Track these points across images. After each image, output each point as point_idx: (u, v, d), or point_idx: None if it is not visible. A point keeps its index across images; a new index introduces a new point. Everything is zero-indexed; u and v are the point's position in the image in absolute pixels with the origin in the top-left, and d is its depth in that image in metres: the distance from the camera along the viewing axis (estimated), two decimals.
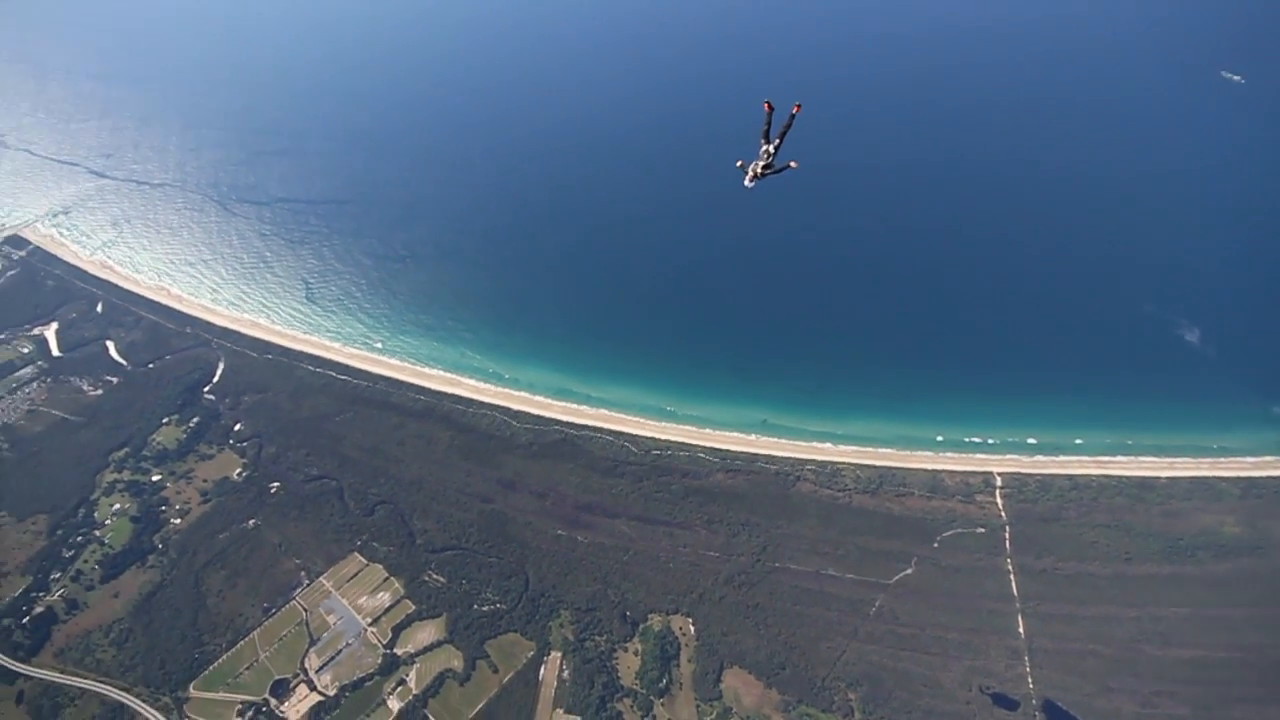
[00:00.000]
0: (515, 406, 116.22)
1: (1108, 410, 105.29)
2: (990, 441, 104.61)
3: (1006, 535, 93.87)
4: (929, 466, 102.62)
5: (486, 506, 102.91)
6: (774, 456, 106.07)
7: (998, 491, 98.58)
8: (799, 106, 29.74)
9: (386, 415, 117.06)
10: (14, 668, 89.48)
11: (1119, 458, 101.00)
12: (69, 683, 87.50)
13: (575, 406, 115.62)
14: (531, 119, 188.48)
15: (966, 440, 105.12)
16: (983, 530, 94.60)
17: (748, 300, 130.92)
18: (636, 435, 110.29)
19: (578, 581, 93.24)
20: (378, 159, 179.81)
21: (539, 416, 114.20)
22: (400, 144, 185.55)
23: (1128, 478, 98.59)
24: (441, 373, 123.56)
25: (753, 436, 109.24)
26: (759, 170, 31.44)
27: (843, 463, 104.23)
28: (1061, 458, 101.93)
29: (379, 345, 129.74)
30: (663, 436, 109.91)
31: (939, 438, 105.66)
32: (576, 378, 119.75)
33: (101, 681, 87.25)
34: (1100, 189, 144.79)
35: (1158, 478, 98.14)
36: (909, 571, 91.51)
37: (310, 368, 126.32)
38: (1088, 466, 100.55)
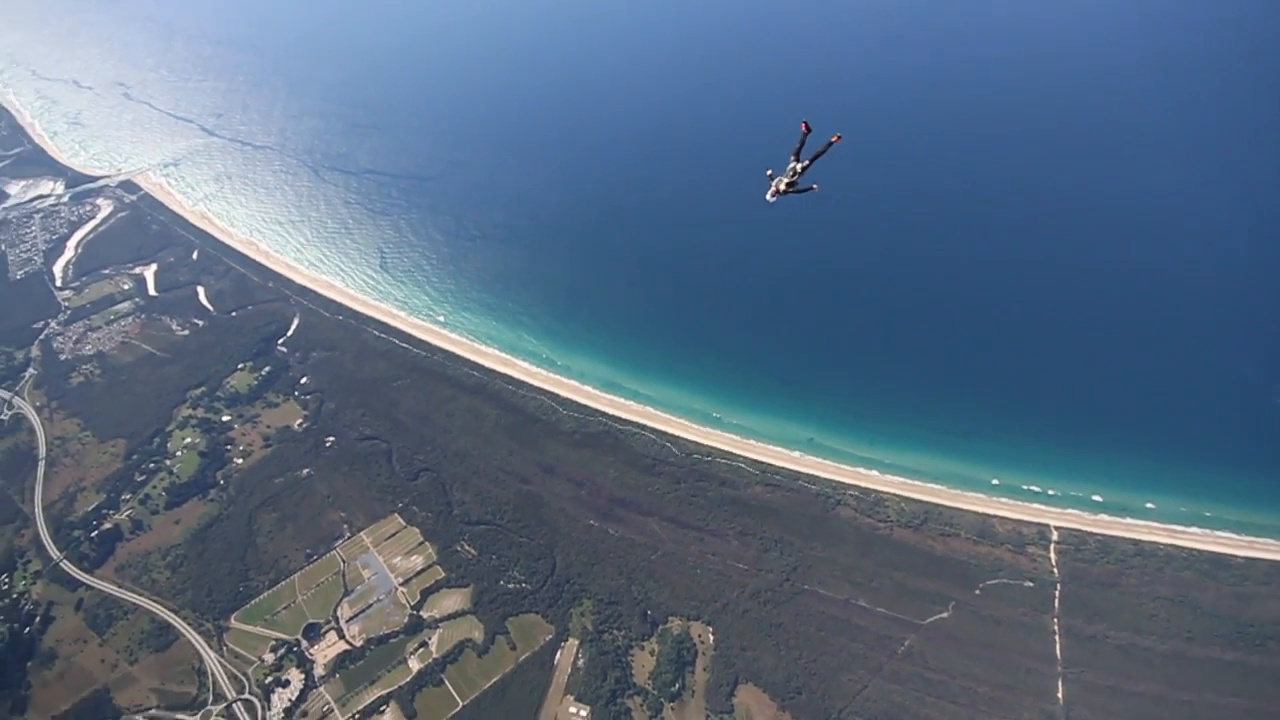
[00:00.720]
0: (563, 393, 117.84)
1: (1186, 476, 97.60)
2: (1050, 493, 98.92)
3: (1056, 593, 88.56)
4: (979, 509, 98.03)
5: (524, 487, 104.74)
6: (816, 477, 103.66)
7: (1052, 546, 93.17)
8: (839, 137, 29.14)
9: (440, 386, 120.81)
10: (78, 576, 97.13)
11: (1193, 529, 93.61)
12: (124, 597, 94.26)
13: (622, 401, 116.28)
14: (620, 117, 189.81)
15: (1024, 488, 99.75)
16: (1031, 584, 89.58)
17: (808, 316, 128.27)
18: (679, 437, 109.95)
19: (603, 573, 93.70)
20: (462, 141, 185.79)
21: (585, 406, 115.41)
22: (485, 129, 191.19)
23: (1200, 551, 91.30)
24: (497, 352, 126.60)
25: (796, 454, 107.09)
26: (781, 187, 31.34)
27: (887, 493, 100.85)
28: (1128, 520, 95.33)
29: (441, 319, 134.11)
30: (705, 442, 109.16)
31: (994, 481, 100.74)
32: (627, 373, 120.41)
33: (154, 600, 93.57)
34: (1212, 228, 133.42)
35: (1234, 556, 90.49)
36: (945, 615, 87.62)
37: (376, 332, 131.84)
38: (1156, 533, 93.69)
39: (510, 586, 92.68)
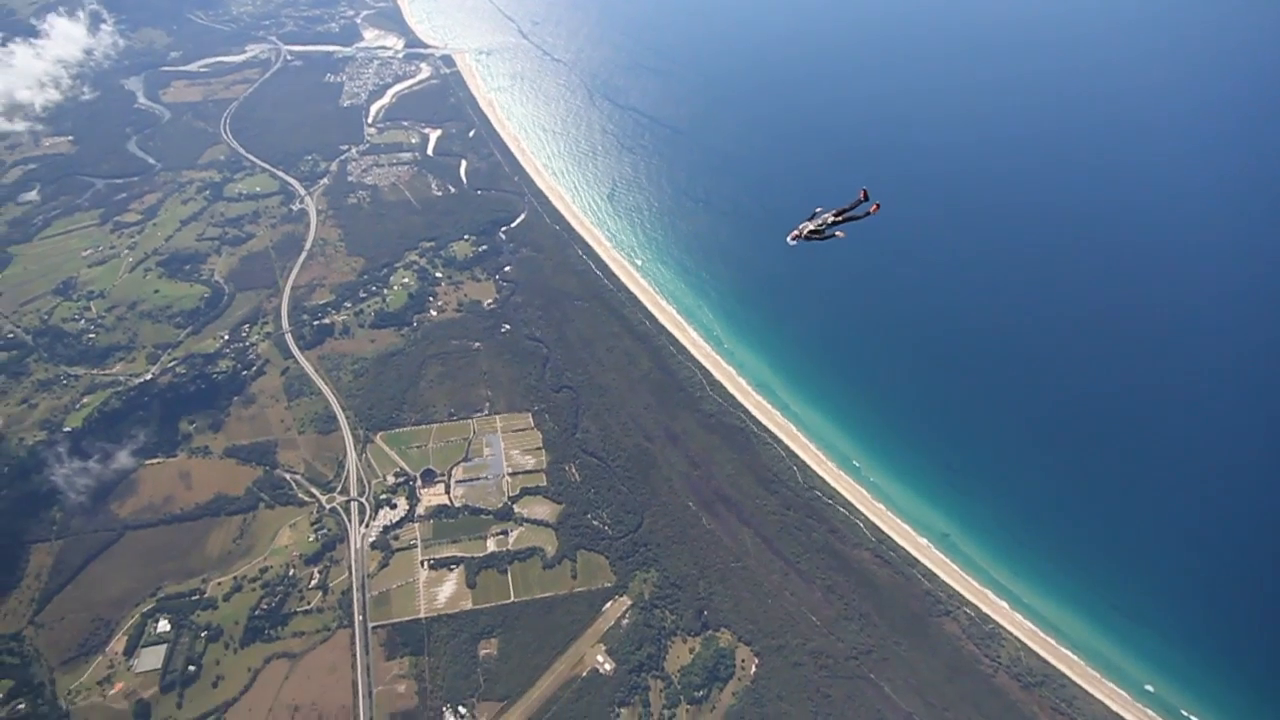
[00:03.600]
0: (716, 375, 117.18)
1: None
2: None
3: None
4: (1115, 707, 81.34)
5: (644, 443, 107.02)
6: (934, 575, 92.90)
7: None
8: (877, 207, 30.88)
9: (611, 322, 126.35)
10: (292, 349, 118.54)
11: None
12: (315, 380, 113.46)
13: (768, 406, 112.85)
14: (904, 138, 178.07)
15: (1183, 713, 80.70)
16: None
17: (1009, 408, 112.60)
18: (808, 466, 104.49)
19: (680, 556, 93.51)
20: (727, 110, 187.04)
21: (731, 396, 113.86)
22: (756, 108, 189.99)
23: None
24: (674, 312, 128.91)
25: (924, 541, 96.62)
26: (806, 232, 32.44)
27: (1009, 631, 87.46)
28: None
29: (639, 262, 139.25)
30: (833, 483, 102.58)
31: (1148, 686, 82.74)
32: (785, 381, 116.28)
33: (335, 393, 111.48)
34: None
35: None
36: None
37: (579, 251, 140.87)
38: None
39: (594, 523, 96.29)
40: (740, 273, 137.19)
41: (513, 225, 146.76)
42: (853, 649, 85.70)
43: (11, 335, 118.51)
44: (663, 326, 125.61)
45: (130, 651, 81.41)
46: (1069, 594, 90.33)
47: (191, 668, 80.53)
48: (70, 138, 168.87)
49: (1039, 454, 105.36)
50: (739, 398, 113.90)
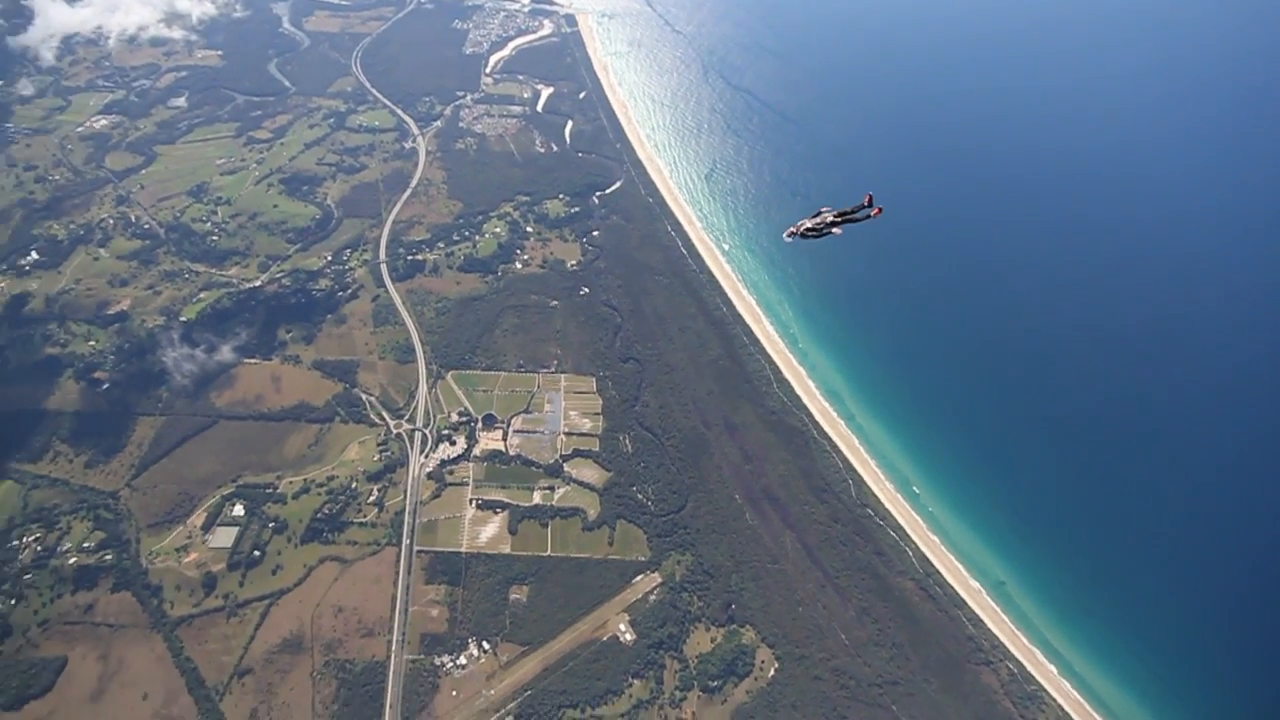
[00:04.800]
0: (785, 373, 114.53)
1: None
2: None
3: None
4: None
5: (701, 428, 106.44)
6: (980, 621, 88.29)
7: None
8: (879, 211, 31.13)
9: (688, 303, 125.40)
10: (385, 279, 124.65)
11: None
12: (402, 310, 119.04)
13: (833, 414, 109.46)
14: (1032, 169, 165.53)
15: None
16: None
17: (1095, 455, 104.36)
18: (864, 481, 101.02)
19: (718, 546, 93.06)
20: (842, 104, 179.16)
21: (797, 397, 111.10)
22: (874, 108, 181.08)
23: None
24: (753, 303, 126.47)
25: (976, 584, 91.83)
26: (803, 229, 32.91)
27: (1052, 696, 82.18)
28: None
29: (726, 247, 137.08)
30: (887, 505, 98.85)
31: None
32: (855, 393, 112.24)
33: (415, 328, 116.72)
34: None
35: None
36: None
37: (668, 226, 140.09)
38: None
39: (638, 496, 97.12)
40: (827, 274, 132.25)
41: (607, 191, 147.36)
42: (878, 676, 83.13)
43: (148, 226, 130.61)
44: (739, 315, 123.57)
45: (207, 527, 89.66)
46: (1128, 673, 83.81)
47: (256, 553, 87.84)
48: (220, 52, 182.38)
49: (1125, 520, 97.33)
50: (804, 399, 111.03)
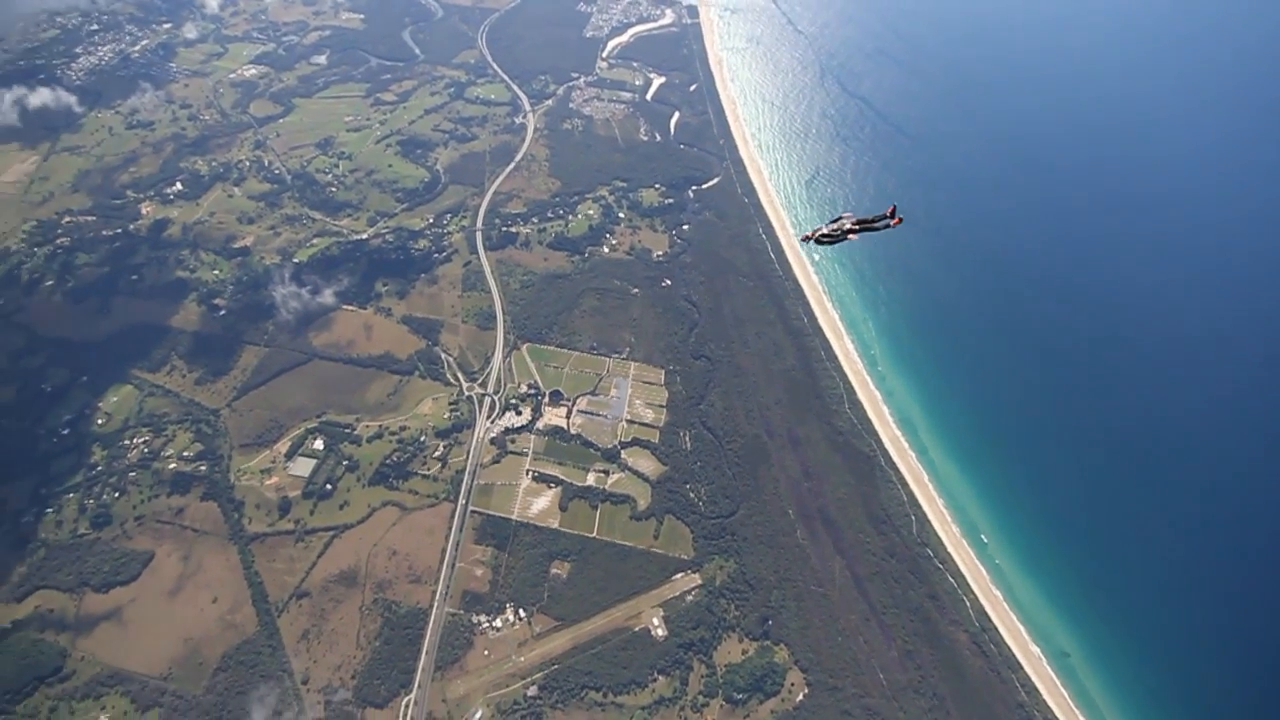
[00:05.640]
0: (859, 394, 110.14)
1: None
2: None
3: None
4: None
5: (764, 437, 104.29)
6: (1036, 691, 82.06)
7: None
8: (899, 220, 31.93)
9: (769, 308, 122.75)
10: (479, 248, 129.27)
11: None
12: (489, 279, 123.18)
13: (904, 444, 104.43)
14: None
15: None
16: None
17: (1200, 532, 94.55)
18: (928, 520, 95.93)
19: (763, 559, 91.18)
20: (970, 117, 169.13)
21: (868, 420, 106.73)
22: (1004, 116, 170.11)
23: None
24: (835, 317, 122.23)
25: (1037, 650, 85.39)
26: (819, 234, 33.66)
27: None
28: None
29: (816, 257, 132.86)
30: (950, 548, 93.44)
31: None
32: (931, 425, 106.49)
33: (500, 297, 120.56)
34: None
35: None
36: None
37: (759, 229, 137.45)
38: None
39: (690, 495, 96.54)
40: (920, 299, 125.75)
41: (704, 186, 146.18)
42: None
43: (277, 172, 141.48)
44: (819, 327, 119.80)
45: (290, 456, 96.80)
46: None
47: (329, 486, 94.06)
48: (362, 16, 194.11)
49: (1232, 607, 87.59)
50: (876, 424, 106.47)
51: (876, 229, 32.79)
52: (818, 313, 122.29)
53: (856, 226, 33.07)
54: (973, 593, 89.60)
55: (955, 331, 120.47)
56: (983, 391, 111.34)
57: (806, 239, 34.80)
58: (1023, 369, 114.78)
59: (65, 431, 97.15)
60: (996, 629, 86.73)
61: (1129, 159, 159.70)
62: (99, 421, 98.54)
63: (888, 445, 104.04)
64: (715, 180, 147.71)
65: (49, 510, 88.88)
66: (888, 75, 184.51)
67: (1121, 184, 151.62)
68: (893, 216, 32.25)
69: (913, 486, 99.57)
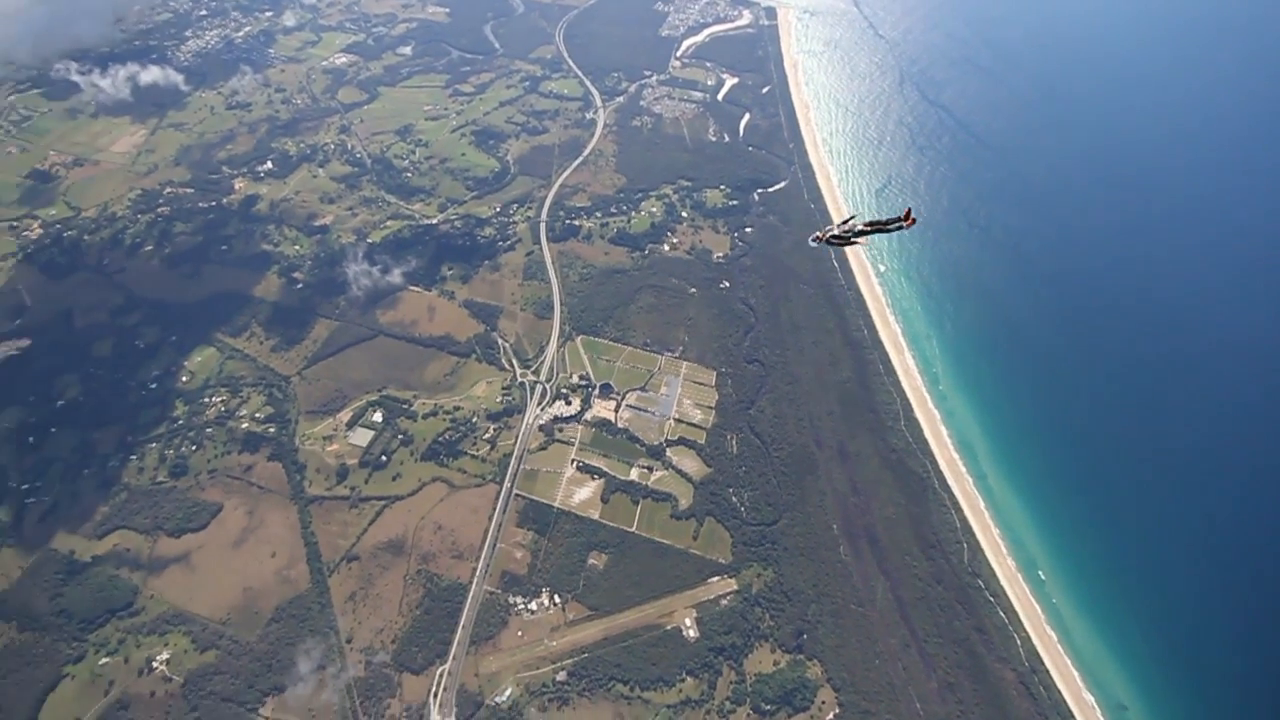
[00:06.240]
0: (917, 412, 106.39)
1: None
2: None
3: None
4: None
5: (813, 448, 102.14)
6: None
7: None
8: (913, 221, 31.49)
9: (829, 317, 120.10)
10: (542, 239, 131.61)
11: None
12: (550, 269, 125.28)
13: (961, 467, 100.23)
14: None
15: None
16: None
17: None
18: (981, 549, 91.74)
19: (802, 570, 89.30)
20: (1057, 130, 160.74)
21: (924, 440, 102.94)
22: (1095, 130, 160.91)
23: None
24: (898, 331, 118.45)
25: (1090, 699, 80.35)
26: (829, 235, 33.39)
27: None
28: None
29: (882, 268, 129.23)
30: (1003, 581, 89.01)
31: None
32: (991, 451, 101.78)
33: (559, 287, 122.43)
34: None
35: None
36: None
37: None
38: None
39: (733, 499, 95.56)
40: (990, 319, 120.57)
41: (770, 189, 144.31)
42: None
43: (359, 156, 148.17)
44: (879, 340, 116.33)
45: (350, 425, 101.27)
46: None
47: (384, 457, 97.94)
48: (447, 10, 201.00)
49: None
50: (932, 445, 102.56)
51: (890, 230, 32.22)
52: (879, 325, 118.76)
53: (868, 228, 32.85)
54: (1024, 630, 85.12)
55: (1025, 355, 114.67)
56: (1050, 420, 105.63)
57: (817, 240, 34.23)
58: (1097, 399, 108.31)
59: (153, 386, 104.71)
60: (1048, 671, 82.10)
61: (1234, 187, 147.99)
62: (183, 379, 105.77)
63: (943, 467, 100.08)
64: (782, 184, 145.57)
65: (133, 457, 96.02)
66: (972, 84, 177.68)
67: (1224, 210, 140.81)
68: (907, 219, 31.65)
69: (967, 512, 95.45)
